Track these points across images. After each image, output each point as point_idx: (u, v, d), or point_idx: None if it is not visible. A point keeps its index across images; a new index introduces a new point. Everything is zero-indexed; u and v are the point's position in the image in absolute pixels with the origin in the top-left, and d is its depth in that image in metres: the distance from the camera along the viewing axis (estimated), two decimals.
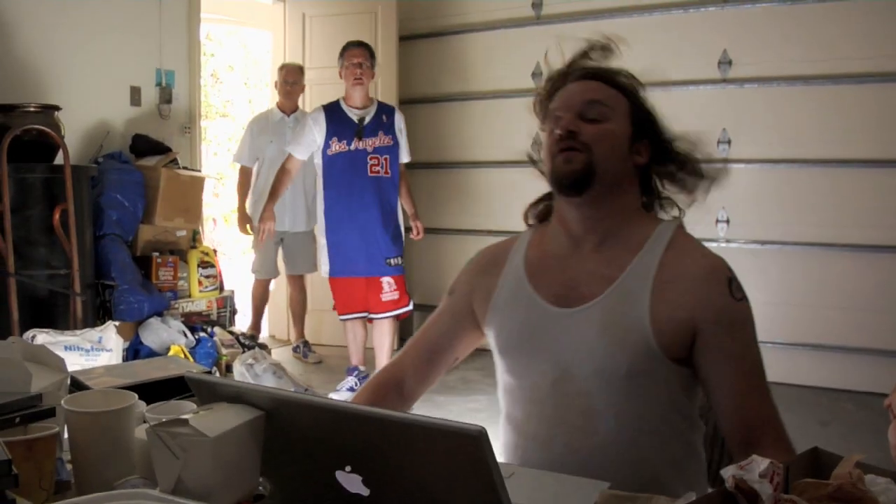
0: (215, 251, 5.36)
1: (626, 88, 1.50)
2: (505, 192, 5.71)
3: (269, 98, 6.53)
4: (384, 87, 5.70)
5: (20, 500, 1.04)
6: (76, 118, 4.61)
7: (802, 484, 1.05)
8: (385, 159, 4.60)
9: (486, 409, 4.51)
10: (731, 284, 1.39)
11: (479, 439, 0.84)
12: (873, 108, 4.70)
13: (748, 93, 4.98)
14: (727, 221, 4.87)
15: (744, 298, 1.40)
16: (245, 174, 5.60)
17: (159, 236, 4.87)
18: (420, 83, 6.08)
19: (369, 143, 4.58)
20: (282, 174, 4.75)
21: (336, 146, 4.57)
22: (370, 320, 4.78)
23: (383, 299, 4.66)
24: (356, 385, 4.73)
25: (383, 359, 4.63)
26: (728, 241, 4.80)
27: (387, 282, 4.64)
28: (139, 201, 4.70)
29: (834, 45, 4.74)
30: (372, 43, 5.68)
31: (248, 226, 5.52)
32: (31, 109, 4.17)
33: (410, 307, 4.76)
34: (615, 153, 1.45)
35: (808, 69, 4.81)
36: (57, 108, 4.29)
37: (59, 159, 4.18)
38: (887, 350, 4.70)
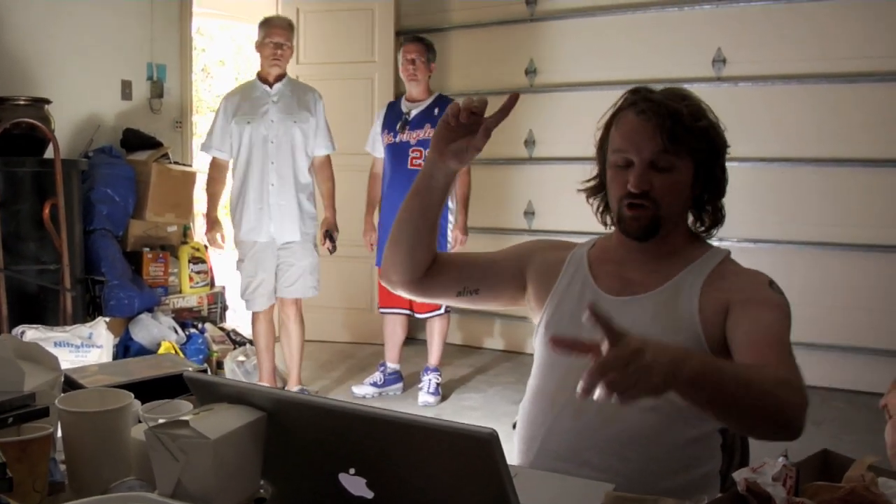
0: (206, 247, 5.32)
1: (694, 129, 1.49)
2: (494, 189, 5.68)
3: None
4: (381, 83, 5.67)
5: (13, 503, 1.01)
6: (66, 112, 4.56)
7: (814, 487, 1.04)
8: None
9: (481, 407, 4.50)
10: (773, 284, 1.49)
11: (490, 443, 0.82)
12: (868, 107, 4.70)
13: (742, 91, 4.98)
14: None
15: (782, 295, 1.47)
16: (218, 168, 4.36)
17: (150, 231, 4.83)
18: None
19: (413, 136, 4.52)
20: (372, 181, 4.73)
21: (386, 138, 4.59)
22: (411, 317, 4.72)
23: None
24: (380, 381, 4.71)
25: (432, 358, 4.64)
26: (721, 239, 4.76)
27: None
28: (130, 196, 4.66)
29: (829, 44, 4.74)
30: (368, 39, 5.65)
31: (218, 235, 4.34)
32: (21, 103, 4.12)
33: (442, 311, 4.61)
34: (680, 200, 1.53)
35: (803, 68, 4.80)
36: (47, 101, 4.24)
37: (49, 153, 4.14)
38: (879, 349, 4.70)
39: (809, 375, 4.56)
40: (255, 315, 4.41)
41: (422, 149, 4.49)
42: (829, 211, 4.81)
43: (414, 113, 4.57)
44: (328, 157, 4.44)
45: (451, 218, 4.58)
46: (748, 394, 1.17)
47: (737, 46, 4.97)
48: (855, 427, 4.13)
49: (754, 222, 4.85)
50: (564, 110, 5.35)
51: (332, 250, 4.52)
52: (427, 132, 4.49)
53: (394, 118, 4.61)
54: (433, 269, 1.63)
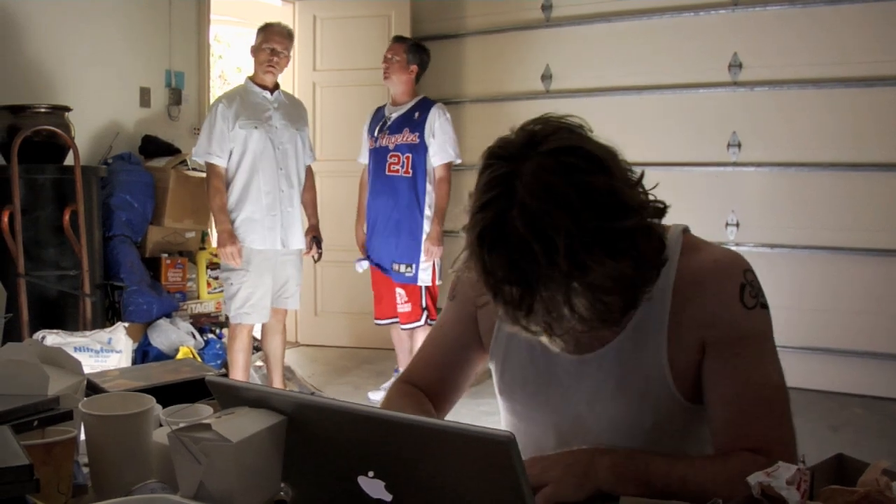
0: None
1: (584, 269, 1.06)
2: None
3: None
4: None
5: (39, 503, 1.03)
6: (86, 119, 4.62)
7: (828, 490, 1.04)
8: (407, 158, 4.35)
9: (497, 412, 4.49)
10: (744, 291, 1.21)
11: (508, 446, 0.83)
12: (884, 111, 4.68)
13: (759, 96, 4.96)
14: (737, 225, 4.85)
15: (757, 305, 1.22)
16: (220, 177, 4.04)
17: (168, 237, 4.87)
18: (433, 85, 6.07)
19: (392, 140, 4.40)
20: (360, 189, 4.65)
21: (369, 142, 4.54)
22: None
23: (398, 311, 4.52)
24: None
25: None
26: (738, 244, 4.78)
27: (399, 293, 4.48)
28: (148, 202, 4.70)
29: (845, 48, 4.73)
30: (384, 46, 5.64)
31: (236, 249, 4.00)
32: (42, 110, 4.17)
33: (421, 322, 4.48)
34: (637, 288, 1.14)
35: (819, 72, 4.79)
36: (67, 108, 4.29)
37: (69, 160, 4.19)
38: None
39: (825, 381, 4.57)
40: (241, 329, 4.12)
41: (399, 154, 4.37)
42: (845, 215, 4.80)
43: (394, 116, 4.46)
44: (310, 167, 4.39)
45: (426, 227, 4.42)
46: (683, 490, 1.11)
47: (753, 51, 4.97)
48: (872, 432, 4.12)
49: (770, 227, 4.85)
50: (581, 116, 5.35)
51: (318, 258, 4.45)
52: (405, 136, 4.37)
53: (377, 123, 4.53)
54: (436, 402, 1.45)
